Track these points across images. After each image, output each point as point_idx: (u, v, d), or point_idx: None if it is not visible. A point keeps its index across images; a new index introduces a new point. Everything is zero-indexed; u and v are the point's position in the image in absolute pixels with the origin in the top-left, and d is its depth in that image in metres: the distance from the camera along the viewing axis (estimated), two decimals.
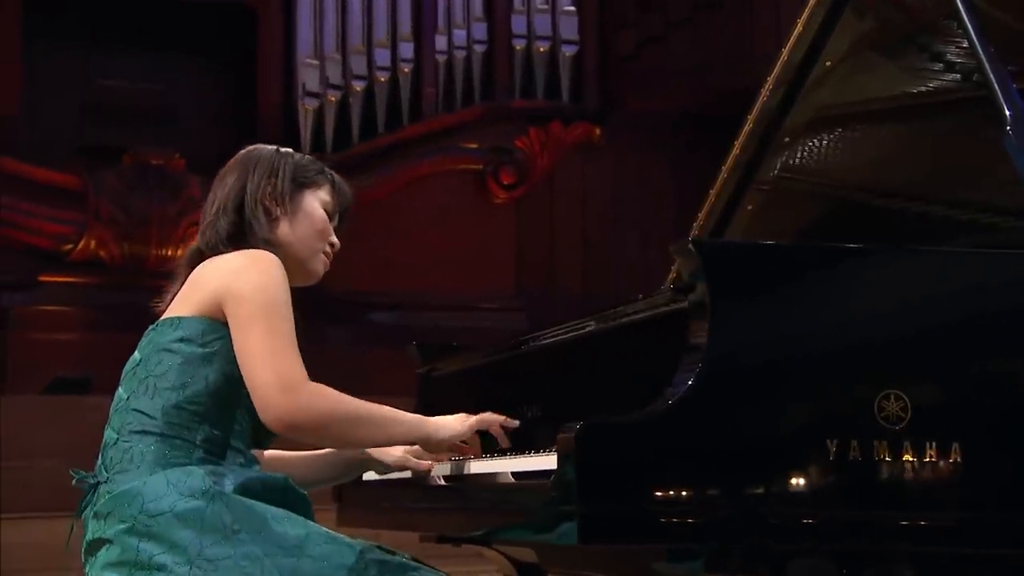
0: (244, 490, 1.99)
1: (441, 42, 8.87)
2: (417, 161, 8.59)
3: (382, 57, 8.75)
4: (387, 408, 2.15)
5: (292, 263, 2.15)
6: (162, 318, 2.08)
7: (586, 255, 8.93)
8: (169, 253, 7.88)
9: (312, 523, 2.03)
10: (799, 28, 2.60)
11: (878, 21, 2.80)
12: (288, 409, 1.99)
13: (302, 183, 2.18)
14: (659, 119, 8.98)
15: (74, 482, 2.04)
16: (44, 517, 5.47)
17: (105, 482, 1.99)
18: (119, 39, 8.76)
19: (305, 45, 8.63)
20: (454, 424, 2.18)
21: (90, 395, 6.90)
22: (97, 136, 8.35)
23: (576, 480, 1.80)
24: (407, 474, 2.39)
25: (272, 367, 1.98)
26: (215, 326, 2.03)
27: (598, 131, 8.94)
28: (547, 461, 1.96)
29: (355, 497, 2.72)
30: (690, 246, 1.87)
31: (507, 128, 8.80)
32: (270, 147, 2.24)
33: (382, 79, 8.73)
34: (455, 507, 2.25)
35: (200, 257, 2.13)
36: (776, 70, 2.67)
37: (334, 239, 2.24)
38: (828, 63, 2.72)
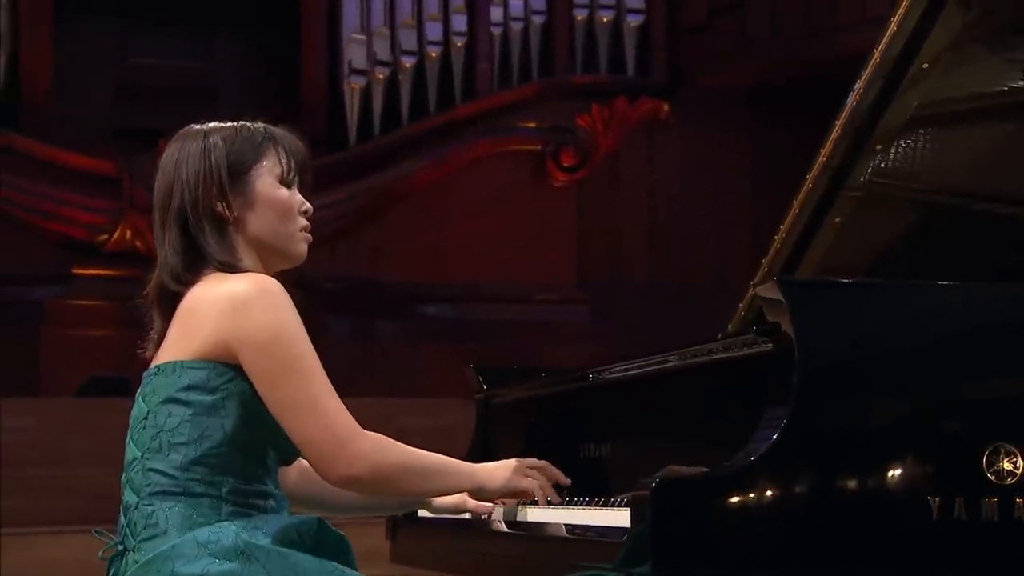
0: (280, 541, 1.98)
1: (496, 13, 8.81)
2: (471, 142, 8.56)
3: (433, 31, 8.72)
4: (440, 457, 2.15)
5: (270, 257, 2.08)
6: (161, 363, 2.02)
7: (653, 242, 8.86)
8: None
9: (356, 574, 2.02)
10: (893, 27, 2.52)
11: (983, 10, 2.72)
12: (348, 463, 1.98)
13: (243, 168, 2.05)
14: (732, 94, 8.87)
15: (100, 554, 2.03)
16: (83, 530, 5.53)
17: (133, 550, 1.98)
18: (154, 14, 8.80)
19: (351, 19, 8.62)
20: (507, 475, 2.16)
21: (128, 397, 6.98)
22: (132, 118, 8.40)
23: (651, 542, 1.77)
24: (465, 513, 2.37)
25: (322, 421, 1.97)
26: (220, 369, 1.98)
27: (666, 107, 8.85)
28: (617, 517, 1.93)
29: (410, 535, 2.71)
30: (775, 286, 1.81)
31: (568, 105, 8.74)
32: (194, 131, 2.09)
33: (433, 55, 8.69)
34: (516, 556, 2.24)
35: (171, 294, 2.06)
36: (867, 71, 2.59)
37: (305, 206, 2.10)
38: (927, 59, 2.65)
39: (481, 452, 2.83)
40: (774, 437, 1.78)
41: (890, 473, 1.82)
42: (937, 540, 1.82)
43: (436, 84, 8.68)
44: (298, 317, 2.00)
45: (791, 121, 8.68)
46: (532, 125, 8.72)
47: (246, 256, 2.07)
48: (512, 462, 2.18)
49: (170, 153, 2.10)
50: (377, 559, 2.94)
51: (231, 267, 2.04)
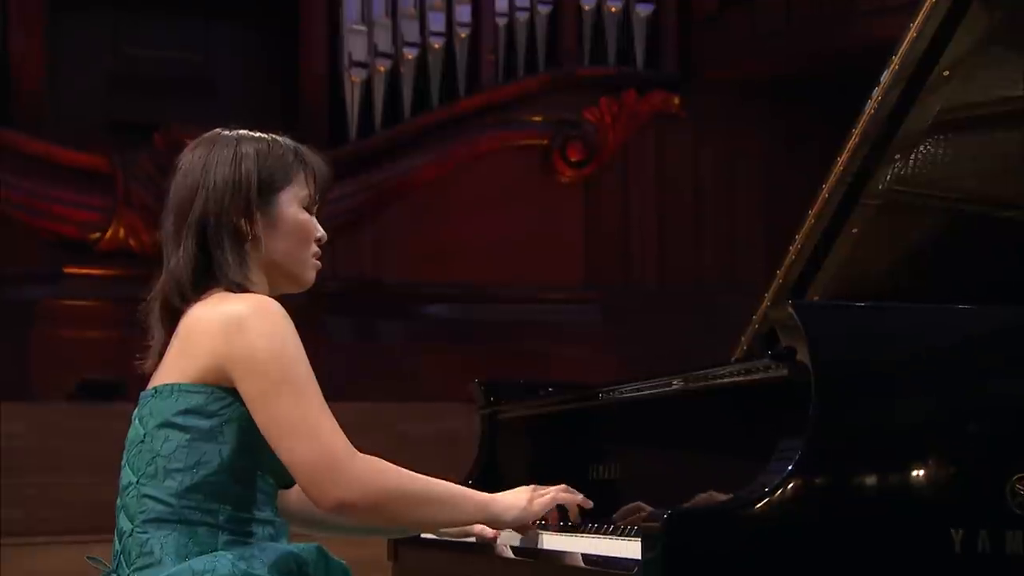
0: (279, 571, 1.97)
1: (502, 3, 8.80)
2: (475, 137, 8.55)
3: (436, 21, 8.70)
4: (448, 485, 2.11)
5: (280, 280, 2.09)
6: (159, 384, 2.02)
7: (662, 239, 8.84)
8: None
9: None
10: (913, 32, 2.51)
11: (1010, 9, 2.70)
12: (339, 487, 1.95)
13: (272, 188, 2.05)
14: (746, 86, 8.85)
15: None
16: (81, 541, 5.52)
17: None
18: (149, 3, 8.79)
19: (352, 9, 8.61)
20: (523, 505, 2.13)
21: (122, 400, 6.98)
22: (126, 111, 8.40)
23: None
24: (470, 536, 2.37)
25: (314, 443, 1.95)
26: (219, 393, 1.98)
27: (677, 100, 8.84)
28: (628, 547, 1.92)
29: (412, 558, 2.70)
30: (791, 310, 1.80)
31: (575, 98, 8.73)
32: (224, 136, 2.08)
33: (436, 46, 8.68)
34: None
35: (173, 309, 2.05)
36: (886, 77, 2.58)
37: (320, 233, 2.10)
38: (949, 64, 2.63)
39: (486, 470, 2.83)
40: (789, 468, 1.76)
41: (911, 505, 1.81)
42: (960, 574, 1.80)
43: (439, 76, 8.67)
44: (298, 340, 1.98)
45: (807, 114, 8.66)
46: (538, 119, 8.71)
47: (257, 277, 2.06)
48: (527, 490, 2.15)
49: (195, 156, 2.08)
50: (378, 571, 2.94)
51: (241, 287, 2.03)
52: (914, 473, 1.81)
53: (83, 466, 6.27)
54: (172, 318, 2.05)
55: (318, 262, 2.13)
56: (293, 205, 2.07)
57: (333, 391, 2.03)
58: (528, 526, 2.19)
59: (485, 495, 2.13)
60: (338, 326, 8.05)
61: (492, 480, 2.76)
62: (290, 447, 1.95)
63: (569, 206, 8.69)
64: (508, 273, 8.39)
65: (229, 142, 2.08)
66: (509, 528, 2.16)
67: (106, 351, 7.63)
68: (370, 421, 6.61)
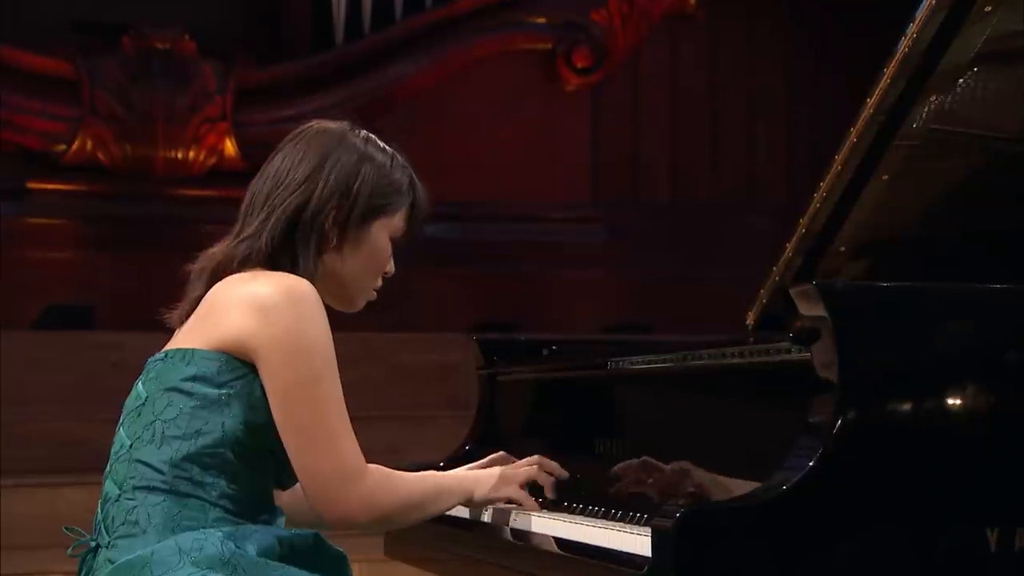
0: (269, 554, 2.01)
1: None
2: (473, 41, 8.47)
3: None
4: (434, 478, 2.22)
5: (333, 294, 2.17)
6: (172, 349, 2.08)
7: (676, 154, 8.81)
8: (179, 155, 7.88)
9: None
10: None
11: None
12: (347, 504, 2.04)
13: (375, 212, 2.16)
14: None
15: (70, 551, 2.06)
16: (45, 484, 5.55)
17: (107, 547, 2.00)
18: None
19: None
20: (495, 484, 2.24)
21: (91, 329, 6.99)
22: (92, 12, 8.29)
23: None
24: (465, 512, 2.40)
25: (327, 454, 2.02)
26: (233, 363, 2.03)
27: (692, 0, 8.74)
28: (637, 541, 1.93)
29: (407, 530, 2.72)
30: (814, 290, 1.79)
31: None
32: (354, 141, 2.18)
33: None
34: (521, 571, 2.24)
35: (219, 276, 2.11)
36: (921, 14, 2.54)
37: (390, 268, 2.24)
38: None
39: (486, 435, 2.84)
40: (810, 464, 1.76)
41: (942, 503, 1.81)
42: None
43: None
44: (328, 331, 2.05)
45: (832, 15, 8.58)
46: (541, 20, 8.61)
47: (319, 282, 2.12)
48: (498, 470, 2.27)
49: (319, 144, 2.16)
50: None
51: (309, 279, 2.09)
52: (946, 468, 1.81)
53: (48, 400, 6.29)
54: (213, 282, 2.12)
55: (375, 294, 2.23)
56: (384, 234, 2.19)
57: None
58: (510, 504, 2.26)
59: (464, 476, 2.25)
60: None
61: (493, 445, 2.77)
62: (303, 452, 2.03)
63: (575, 116, 8.64)
64: (509, 189, 8.37)
65: (356, 145, 2.18)
66: (484, 506, 2.29)
67: (74, 274, 7.62)
68: (365, 352, 6.65)
